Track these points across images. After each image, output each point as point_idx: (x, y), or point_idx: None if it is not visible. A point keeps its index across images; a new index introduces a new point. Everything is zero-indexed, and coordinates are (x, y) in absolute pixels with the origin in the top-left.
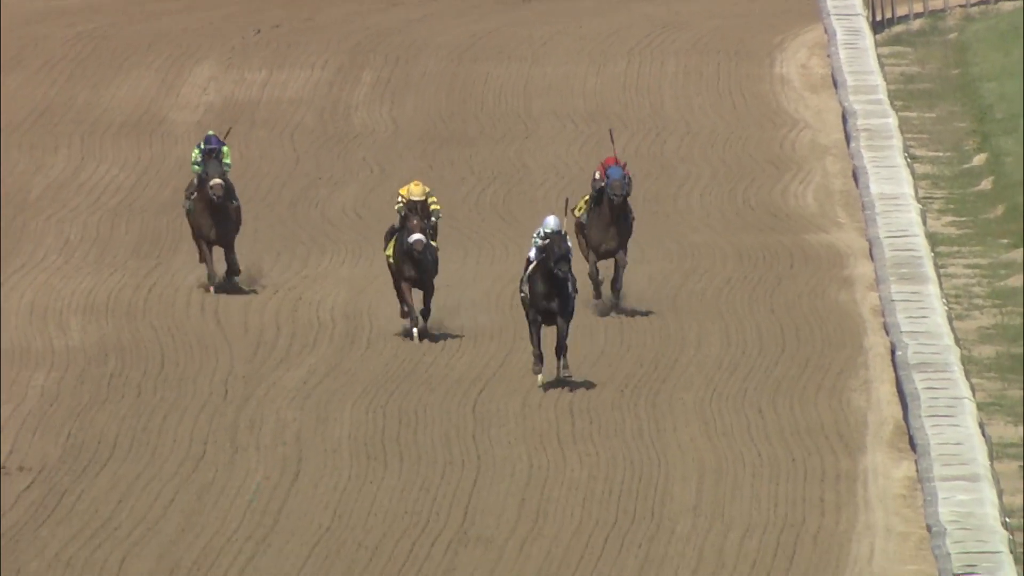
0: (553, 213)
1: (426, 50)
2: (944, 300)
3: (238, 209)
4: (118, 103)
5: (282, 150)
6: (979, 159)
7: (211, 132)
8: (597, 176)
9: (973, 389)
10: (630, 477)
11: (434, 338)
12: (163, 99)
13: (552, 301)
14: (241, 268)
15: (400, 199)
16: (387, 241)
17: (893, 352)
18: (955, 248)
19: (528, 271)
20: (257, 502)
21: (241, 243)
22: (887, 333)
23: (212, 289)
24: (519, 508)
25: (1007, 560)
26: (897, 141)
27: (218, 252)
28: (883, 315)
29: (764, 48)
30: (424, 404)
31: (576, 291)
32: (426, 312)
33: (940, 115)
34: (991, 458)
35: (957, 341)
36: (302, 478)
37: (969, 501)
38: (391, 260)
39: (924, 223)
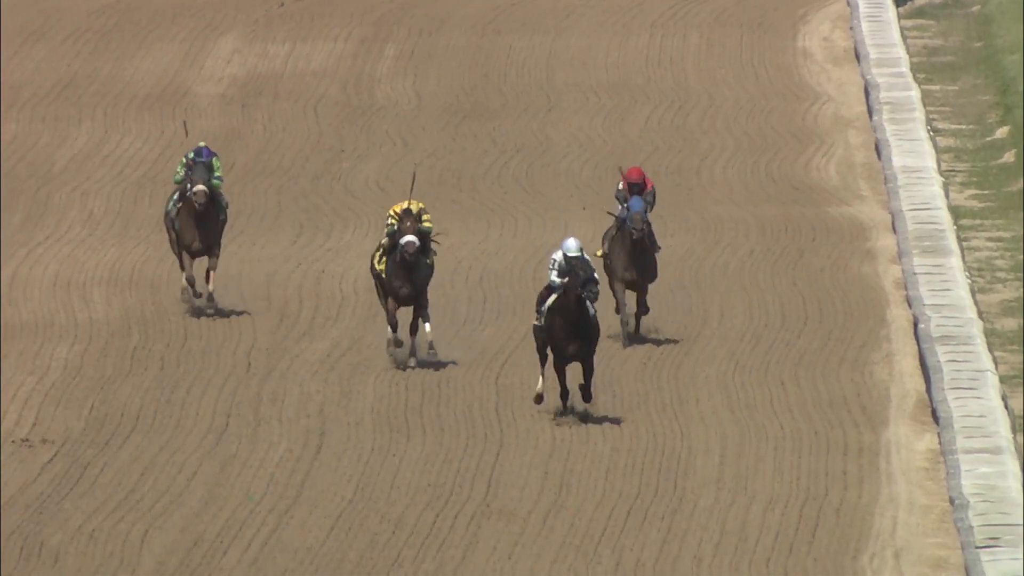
0: (572, 236)
1: (449, 23)
2: (967, 273)
3: (223, 222)
4: (142, 76)
5: (305, 123)
6: (1002, 132)
7: (202, 144)
8: (620, 187)
9: (996, 362)
10: (653, 450)
11: (455, 309)
12: (187, 72)
13: (573, 343)
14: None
15: (390, 217)
16: (378, 255)
17: (916, 325)
18: (978, 221)
19: (548, 303)
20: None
21: (265, 216)
22: (910, 306)
23: (188, 302)
24: (542, 481)
25: None
26: (920, 114)
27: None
28: (906, 288)
29: (787, 21)
30: (447, 377)
31: (599, 325)
32: (425, 316)
33: (963, 88)
34: (1014, 430)
35: (980, 314)
36: (325, 451)
37: (992, 474)
38: (383, 275)
39: (947, 196)
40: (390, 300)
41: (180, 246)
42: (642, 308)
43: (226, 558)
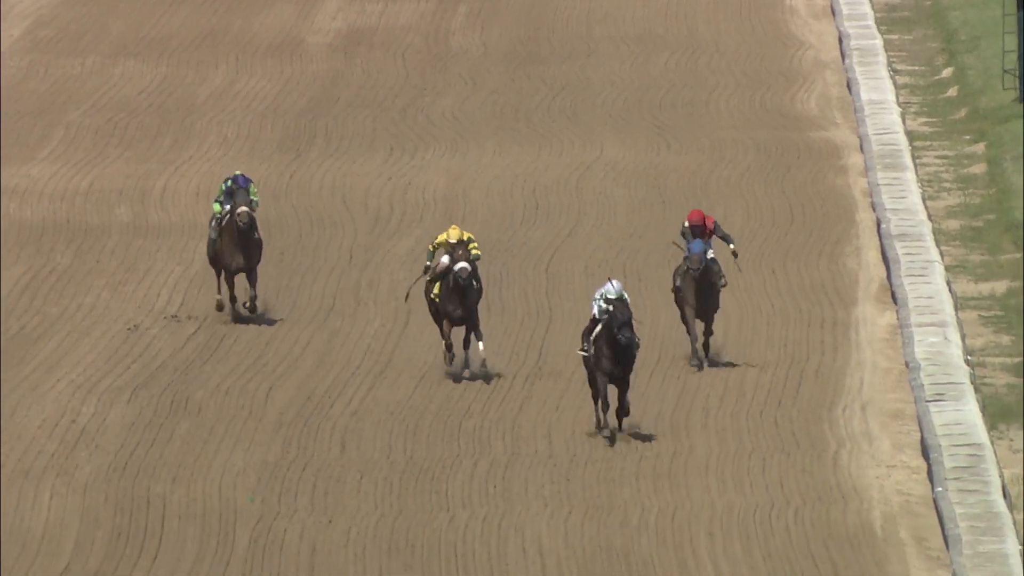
0: (615, 278)
1: None
2: (919, 184)
3: (260, 242)
4: (265, 29)
5: (395, 67)
6: (947, 72)
7: (238, 172)
8: (685, 224)
9: (942, 254)
10: (668, 324)
11: (513, 214)
12: (301, 25)
13: (616, 366)
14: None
15: (431, 246)
16: (431, 283)
17: (879, 225)
18: (928, 143)
19: (593, 334)
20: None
21: (362, 140)
22: (874, 210)
23: (229, 316)
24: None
25: (968, 390)
26: (882, 58)
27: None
28: (871, 196)
29: None
30: (507, 267)
31: (638, 348)
32: (478, 334)
33: (916, 37)
34: (956, 309)
35: (929, 216)
36: (410, 325)
37: (938, 343)
38: (436, 299)
39: (903, 123)
40: (445, 322)
41: (220, 264)
42: (708, 332)
43: (332, 410)
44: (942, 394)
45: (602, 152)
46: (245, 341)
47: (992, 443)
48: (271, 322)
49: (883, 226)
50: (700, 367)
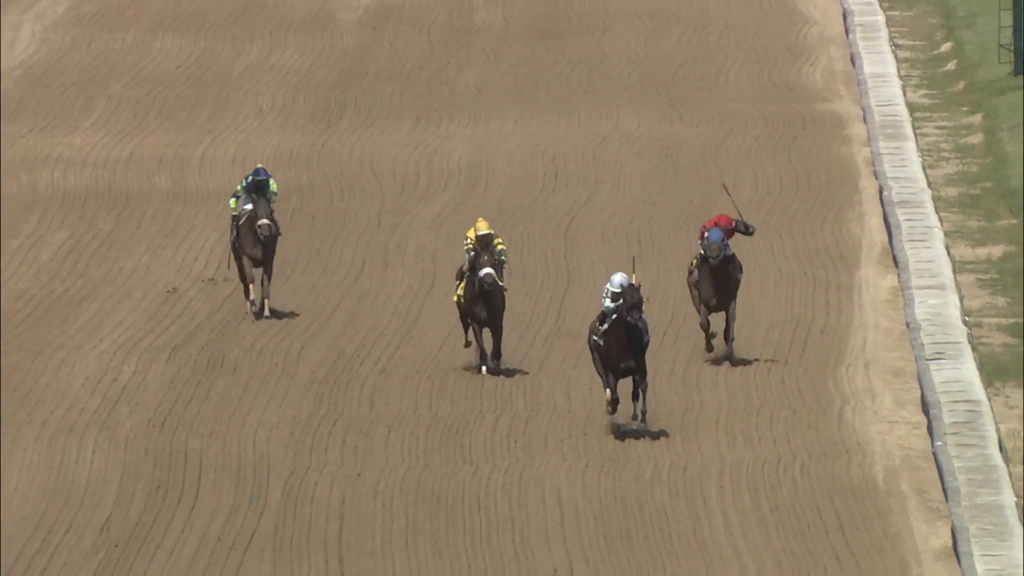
0: (620, 272)
1: None
2: (919, 153)
3: (276, 238)
4: (298, 5)
5: (420, 41)
6: (946, 47)
7: (260, 165)
8: (706, 226)
9: (941, 220)
10: (680, 287)
11: (534, 181)
12: (331, 2)
13: (629, 359)
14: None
15: (468, 240)
16: (457, 283)
17: (881, 192)
18: (928, 114)
19: (604, 326)
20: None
21: (390, 111)
22: (876, 178)
23: (254, 316)
24: (599, 310)
25: (966, 348)
26: (884, 33)
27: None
28: (873, 164)
29: None
30: (528, 231)
31: (649, 338)
32: (496, 353)
33: (917, 13)
34: (954, 272)
35: (929, 184)
36: (436, 288)
37: (937, 304)
38: (461, 301)
39: (904, 95)
40: (472, 324)
41: (242, 252)
42: (731, 320)
43: (361, 368)
44: (941, 353)
45: (618, 123)
46: (279, 302)
47: (989, 400)
48: (303, 284)
49: (885, 193)
50: (722, 357)
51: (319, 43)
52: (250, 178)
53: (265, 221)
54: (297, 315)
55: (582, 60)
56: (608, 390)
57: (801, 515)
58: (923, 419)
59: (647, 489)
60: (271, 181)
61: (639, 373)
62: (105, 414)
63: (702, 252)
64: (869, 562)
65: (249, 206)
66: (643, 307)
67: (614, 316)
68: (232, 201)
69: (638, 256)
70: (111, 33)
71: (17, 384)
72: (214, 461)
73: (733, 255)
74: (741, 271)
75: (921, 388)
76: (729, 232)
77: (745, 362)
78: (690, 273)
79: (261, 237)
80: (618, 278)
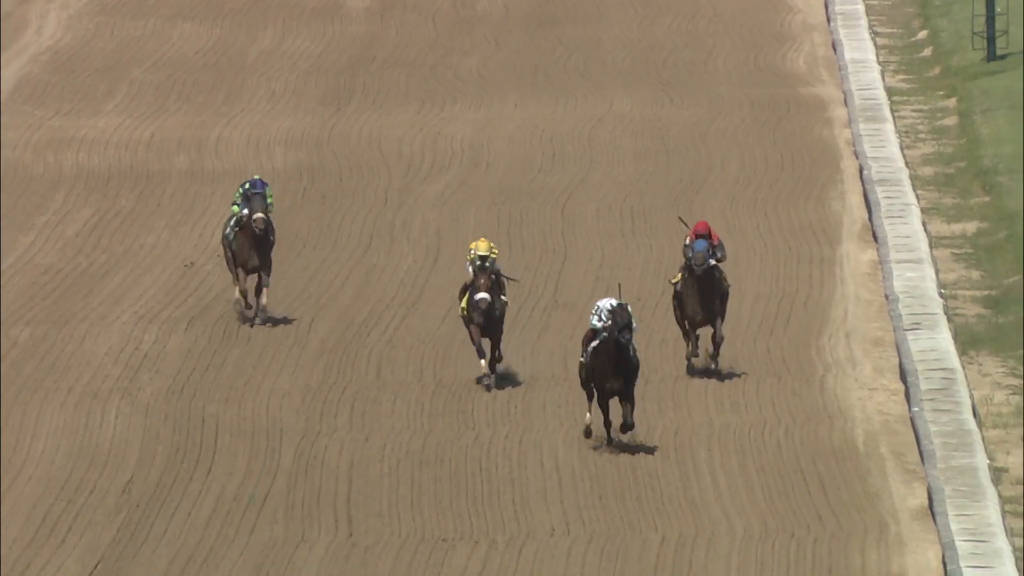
0: (608, 296)
1: None
2: (897, 135)
3: (273, 243)
4: None
5: (425, 29)
6: (922, 34)
7: (257, 176)
8: (688, 241)
9: (918, 198)
10: (671, 262)
11: (532, 161)
12: None
13: (617, 381)
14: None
15: (472, 251)
16: (461, 296)
17: (861, 171)
18: (905, 98)
19: (593, 345)
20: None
21: (396, 94)
22: (856, 158)
23: (251, 321)
24: (594, 283)
25: (941, 319)
26: (864, 21)
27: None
28: (854, 145)
29: None
30: (527, 209)
31: (638, 363)
32: (499, 357)
33: (895, 2)
34: (930, 247)
35: (906, 163)
36: (440, 262)
37: (915, 277)
38: (464, 313)
39: (883, 80)
40: (474, 328)
41: (237, 263)
42: (718, 339)
43: (369, 337)
44: (918, 324)
45: (612, 106)
46: (289, 277)
47: (963, 368)
48: (314, 259)
49: (865, 172)
50: (710, 363)
51: (329, 30)
52: (247, 186)
53: (260, 215)
54: (308, 288)
55: (578, 46)
56: (588, 413)
57: (785, 476)
58: (901, 386)
59: (640, 452)
60: (268, 191)
61: (625, 396)
62: (127, 381)
63: (687, 259)
64: (849, 521)
65: (245, 211)
66: (633, 329)
67: (604, 335)
68: (234, 208)
69: (631, 231)
70: (133, 21)
71: (44, 353)
72: (230, 426)
73: (717, 265)
74: (728, 284)
75: (899, 357)
76: (712, 243)
77: (732, 332)
78: (674, 286)
79: (257, 230)
80: (606, 302)
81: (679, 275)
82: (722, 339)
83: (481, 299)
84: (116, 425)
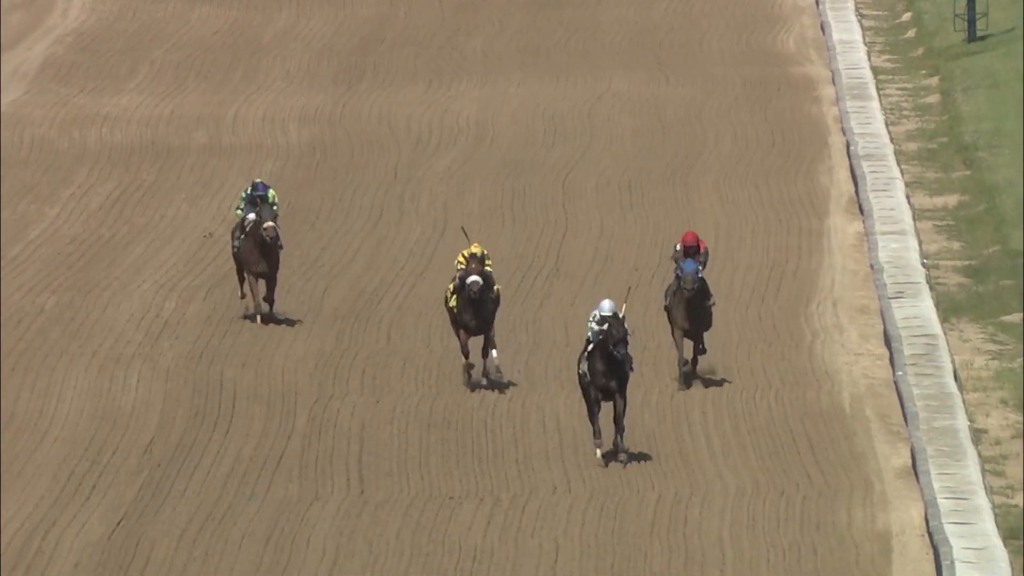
0: (609, 299)
1: None
2: (883, 112)
3: (280, 249)
4: None
5: (431, 11)
6: (907, 16)
7: (259, 180)
8: (678, 248)
9: (902, 172)
10: (667, 233)
11: (534, 137)
12: None
13: (611, 380)
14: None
15: (459, 263)
16: (451, 293)
17: (848, 147)
18: (890, 77)
19: (587, 351)
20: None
21: (405, 73)
22: (844, 134)
23: (258, 319)
24: (593, 254)
25: (924, 288)
26: (851, 4)
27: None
28: (841, 122)
29: None
30: (529, 182)
31: (632, 370)
32: (491, 343)
33: None
34: (914, 219)
35: (891, 140)
36: (447, 233)
37: (899, 248)
38: (455, 309)
39: (869, 59)
40: (462, 332)
41: (245, 269)
42: (699, 350)
43: (380, 306)
44: (902, 292)
45: (610, 85)
46: (304, 247)
47: (945, 334)
48: (327, 230)
49: (851, 148)
50: (687, 386)
51: (341, 12)
52: (249, 191)
53: (271, 224)
54: (322, 258)
55: (579, 28)
56: (594, 427)
57: (775, 437)
58: (885, 351)
59: (637, 413)
60: (271, 193)
61: (619, 396)
62: (148, 347)
63: (676, 275)
64: (836, 479)
65: (252, 215)
66: (628, 340)
67: (599, 339)
68: (238, 212)
69: (629, 204)
70: (154, 3)
71: (69, 320)
72: (247, 390)
73: (705, 281)
74: (711, 297)
75: (884, 323)
76: (699, 254)
77: (725, 300)
78: (666, 298)
79: (267, 239)
80: (607, 304)
81: (671, 285)
82: (703, 351)
83: (473, 281)
84: (138, 388)
